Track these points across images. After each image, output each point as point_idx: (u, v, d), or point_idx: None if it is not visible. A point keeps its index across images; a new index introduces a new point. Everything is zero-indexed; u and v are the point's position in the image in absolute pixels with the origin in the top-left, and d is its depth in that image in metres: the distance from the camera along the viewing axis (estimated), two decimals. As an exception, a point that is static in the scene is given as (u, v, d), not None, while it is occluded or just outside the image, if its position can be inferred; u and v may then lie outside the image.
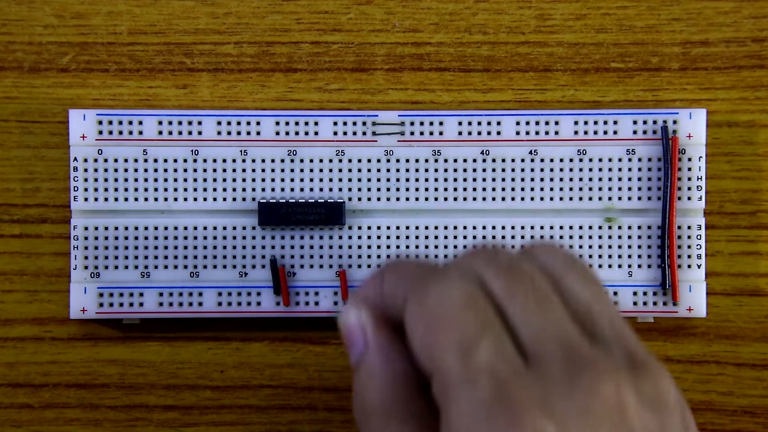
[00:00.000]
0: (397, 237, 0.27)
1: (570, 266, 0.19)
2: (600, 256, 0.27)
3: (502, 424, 0.15)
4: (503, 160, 0.27)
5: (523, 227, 0.27)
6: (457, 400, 0.16)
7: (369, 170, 0.27)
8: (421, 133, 0.27)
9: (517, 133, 0.27)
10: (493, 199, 0.27)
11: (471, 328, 0.17)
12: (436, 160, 0.27)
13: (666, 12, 0.28)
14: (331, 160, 0.27)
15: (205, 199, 0.27)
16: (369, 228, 0.27)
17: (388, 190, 0.27)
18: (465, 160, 0.27)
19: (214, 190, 0.27)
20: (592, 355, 0.17)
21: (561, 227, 0.27)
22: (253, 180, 0.27)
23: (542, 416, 0.15)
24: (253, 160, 0.27)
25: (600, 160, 0.27)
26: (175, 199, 0.27)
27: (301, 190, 0.27)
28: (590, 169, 0.27)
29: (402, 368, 0.18)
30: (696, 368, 0.28)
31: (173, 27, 0.28)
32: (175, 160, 0.27)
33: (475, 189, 0.27)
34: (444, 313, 0.17)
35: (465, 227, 0.27)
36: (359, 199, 0.27)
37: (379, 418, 0.18)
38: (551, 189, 0.27)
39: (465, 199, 0.27)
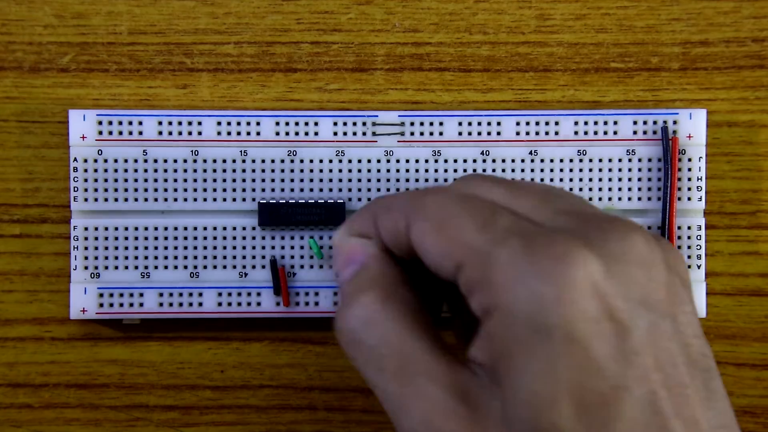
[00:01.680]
0: (397, 237, 0.27)
1: (557, 190, 0.19)
2: (600, 256, 0.27)
3: (553, 266, 0.15)
4: (503, 161, 0.27)
5: (523, 227, 0.27)
6: (495, 261, 0.16)
7: (369, 170, 0.27)
8: (421, 134, 0.27)
9: (517, 133, 0.27)
10: (493, 199, 0.27)
11: (480, 212, 0.17)
12: (436, 161, 0.27)
13: (666, 12, 0.28)
14: (331, 161, 0.27)
15: (205, 200, 0.27)
16: (369, 228, 0.27)
17: (388, 190, 0.27)
18: (465, 161, 0.27)
19: (214, 190, 0.27)
20: (612, 220, 0.17)
21: (561, 227, 0.27)
22: (253, 180, 0.27)
23: (587, 251, 0.15)
24: (253, 161, 0.27)
25: (600, 160, 0.27)
26: (175, 200, 0.27)
27: (301, 190, 0.27)
28: (590, 170, 0.27)
29: (404, 282, 0.18)
30: (696, 368, 0.28)
31: (173, 27, 0.28)
32: (175, 161, 0.27)
33: (475, 189, 0.27)
34: (449, 212, 0.17)
35: (465, 227, 0.27)
36: (359, 199, 0.27)
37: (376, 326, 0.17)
38: (551, 189, 0.27)
39: (465, 199, 0.27)
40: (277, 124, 0.27)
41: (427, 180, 0.27)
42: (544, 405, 0.15)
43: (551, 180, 0.27)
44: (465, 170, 0.27)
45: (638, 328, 0.15)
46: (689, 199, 0.27)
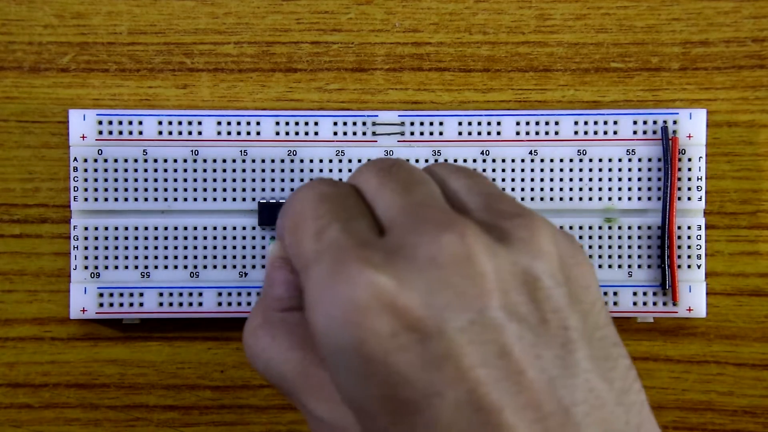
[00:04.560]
0: (397, 237, 0.27)
1: (456, 169, 0.19)
2: (600, 257, 0.27)
3: (341, 289, 0.15)
4: (503, 160, 0.27)
5: (523, 227, 0.27)
6: (308, 278, 0.16)
7: (369, 170, 0.27)
8: (421, 133, 0.27)
9: (517, 133, 0.27)
10: (493, 199, 0.27)
11: (324, 217, 0.17)
12: (436, 160, 0.27)
13: (666, 12, 0.28)
14: (331, 161, 0.27)
15: (205, 199, 0.27)
16: (369, 228, 0.27)
17: (388, 190, 0.27)
18: (465, 160, 0.27)
19: (214, 190, 0.27)
20: (445, 214, 0.17)
21: (561, 227, 0.27)
22: (253, 180, 0.27)
23: (379, 272, 0.15)
24: (253, 161, 0.27)
25: (600, 160, 0.27)
26: (175, 199, 0.27)
27: (301, 190, 0.27)
28: (590, 169, 0.27)
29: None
30: (696, 368, 0.28)
31: (173, 27, 0.28)
32: (175, 160, 0.27)
33: (475, 189, 0.27)
34: (303, 213, 0.18)
35: (465, 227, 0.27)
36: (359, 199, 0.27)
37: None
38: (551, 189, 0.27)
39: (465, 199, 0.27)
40: (277, 124, 0.27)
41: (427, 180, 0.27)
42: (361, 417, 0.16)
43: (551, 180, 0.27)
44: (465, 170, 0.27)
45: (448, 331, 0.15)
46: (689, 199, 0.27)
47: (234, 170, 0.27)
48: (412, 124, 0.27)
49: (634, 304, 0.27)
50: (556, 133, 0.27)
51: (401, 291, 0.15)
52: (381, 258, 0.16)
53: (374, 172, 0.18)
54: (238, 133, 0.27)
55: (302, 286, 0.17)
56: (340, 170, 0.27)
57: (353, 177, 0.19)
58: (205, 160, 0.27)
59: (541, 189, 0.27)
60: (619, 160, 0.27)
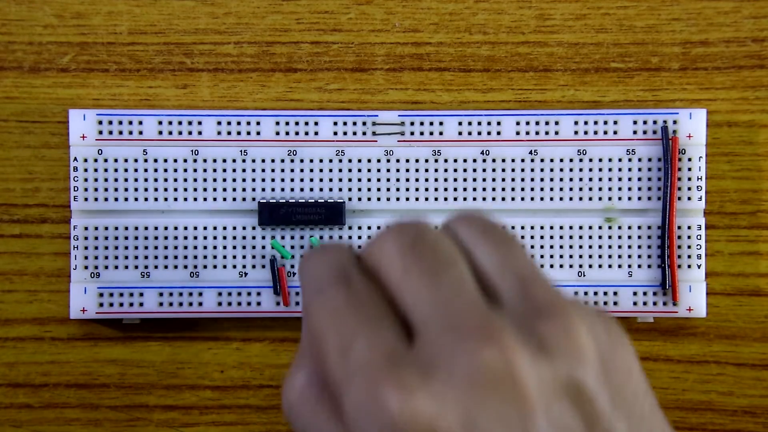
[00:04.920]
0: (397, 237, 0.27)
1: (483, 233, 0.18)
2: (600, 256, 0.27)
3: (379, 416, 0.15)
4: (503, 160, 0.27)
5: (523, 227, 0.27)
6: (342, 401, 0.16)
7: (369, 170, 0.27)
8: (421, 133, 0.27)
9: (517, 133, 0.27)
10: (493, 199, 0.27)
11: (347, 329, 0.16)
12: (436, 160, 0.27)
13: (666, 12, 0.28)
14: (331, 160, 0.27)
15: (205, 199, 0.27)
16: (369, 228, 0.27)
17: (388, 190, 0.27)
18: (465, 160, 0.27)
19: (214, 190, 0.27)
20: (481, 318, 0.16)
21: (561, 227, 0.27)
22: (253, 180, 0.27)
23: (415, 395, 0.15)
24: (253, 160, 0.27)
25: (600, 160, 0.27)
26: (175, 199, 0.27)
27: (301, 190, 0.27)
28: (590, 169, 0.27)
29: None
30: (696, 368, 0.28)
31: (173, 27, 0.28)
32: (175, 160, 0.27)
33: (475, 189, 0.27)
34: (320, 327, 0.17)
35: (465, 227, 0.27)
36: (359, 199, 0.27)
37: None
38: (551, 189, 0.27)
39: (465, 199, 0.27)
40: (277, 123, 0.27)
41: (427, 180, 0.27)
42: None
43: (551, 180, 0.27)
44: (465, 170, 0.27)
45: None
46: (689, 198, 0.27)
47: (234, 170, 0.27)
48: (412, 124, 0.27)
49: (634, 304, 0.27)
50: (556, 133, 0.27)
51: (440, 415, 0.15)
52: (416, 377, 0.15)
53: (396, 251, 0.17)
54: (238, 133, 0.27)
55: (338, 400, 0.16)
56: (340, 170, 0.27)
57: (371, 251, 0.18)
58: (205, 160, 0.27)
59: (541, 189, 0.27)
60: (619, 160, 0.27)
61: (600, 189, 0.27)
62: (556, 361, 0.16)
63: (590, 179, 0.27)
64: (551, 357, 0.16)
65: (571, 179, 0.27)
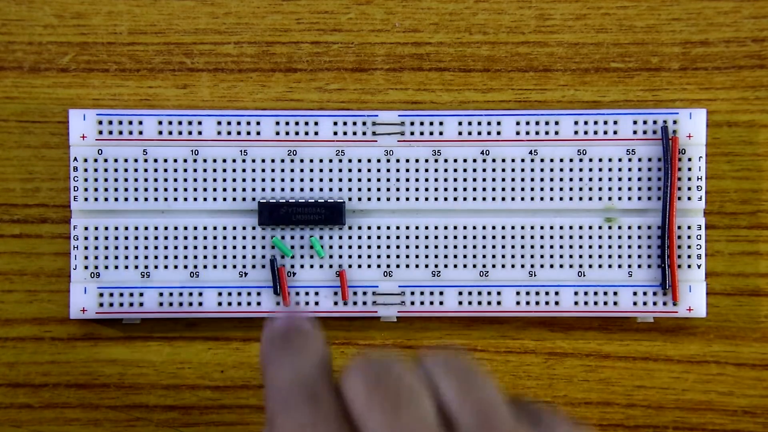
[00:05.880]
0: (397, 237, 0.27)
1: (448, 366, 0.19)
2: (600, 256, 0.27)
3: None
4: (503, 160, 0.27)
5: (523, 227, 0.27)
6: None
7: (369, 170, 0.27)
8: (421, 133, 0.27)
9: (517, 133, 0.27)
10: (493, 199, 0.27)
11: None
12: (436, 160, 0.27)
13: (666, 12, 0.28)
14: (331, 160, 0.27)
15: (205, 199, 0.27)
16: (369, 228, 0.27)
17: (388, 190, 0.27)
18: (465, 160, 0.27)
19: (214, 190, 0.27)
20: None
21: (561, 227, 0.27)
22: (253, 180, 0.27)
23: None
24: (253, 160, 0.27)
25: (600, 160, 0.27)
26: (175, 199, 0.27)
27: (301, 190, 0.27)
28: (590, 169, 0.27)
29: None
30: (696, 368, 0.28)
31: (173, 27, 0.28)
32: (175, 160, 0.27)
33: (475, 189, 0.27)
34: None
35: (465, 227, 0.27)
36: (359, 199, 0.27)
37: None
38: (551, 189, 0.27)
39: (465, 199, 0.27)
40: (277, 123, 0.27)
41: (427, 180, 0.27)
42: None
43: (551, 180, 0.27)
44: (465, 170, 0.27)
45: None
46: (689, 198, 0.27)
47: (234, 170, 0.27)
48: (412, 124, 0.27)
49: (634, 304, 0.27)
50: (556, 133, 0.27)
51: None
52: None
53: (362, 382, 0.18)
54: (238, 133, 0.27)
55: None
56: (340, 170, 0.27)
57: (340, 381, 0.19)
58: (205, 160, 0.27)
59: (541, 189, 0.27)
60: (619, 160, 0.27)
61: (600, 189, 0.27)
62: None
63: (590, 179, 0.27)
64: None
65: (571, 179, 0.27)
